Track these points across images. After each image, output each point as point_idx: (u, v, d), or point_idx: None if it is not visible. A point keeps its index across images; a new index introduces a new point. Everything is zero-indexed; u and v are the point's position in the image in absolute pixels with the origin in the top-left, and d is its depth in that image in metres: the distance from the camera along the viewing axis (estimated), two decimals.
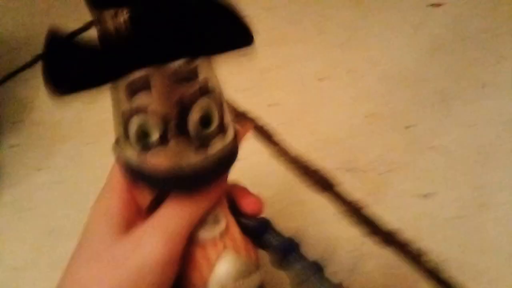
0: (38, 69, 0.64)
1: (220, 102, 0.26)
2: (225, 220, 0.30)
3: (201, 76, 0.25)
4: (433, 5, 0.64)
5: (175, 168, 0.26)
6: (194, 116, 0.25)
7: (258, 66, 0.60)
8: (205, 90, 0.25)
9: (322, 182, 0.48)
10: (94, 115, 0.58)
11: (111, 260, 0.28)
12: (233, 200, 0.32)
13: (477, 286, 0.41)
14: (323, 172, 0.49)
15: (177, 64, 0.24)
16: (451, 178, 0.48)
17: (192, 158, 0.26)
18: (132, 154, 0.27)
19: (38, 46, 0.66)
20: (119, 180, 0.31)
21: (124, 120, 0.26)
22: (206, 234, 0.30)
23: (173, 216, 0.28)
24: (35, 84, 0.63)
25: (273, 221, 0.44)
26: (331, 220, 0.46)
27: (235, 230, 0.31)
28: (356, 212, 0.46)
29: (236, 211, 0.32)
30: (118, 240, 0.29)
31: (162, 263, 0.28)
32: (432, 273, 0.42)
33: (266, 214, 0.46)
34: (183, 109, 0.24)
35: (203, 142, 0.26)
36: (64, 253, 0.29)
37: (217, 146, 0.27)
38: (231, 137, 0.28)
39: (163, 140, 0.25)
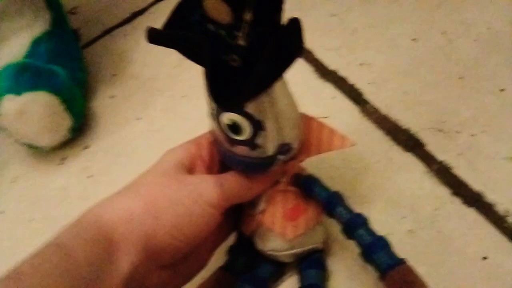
0: (136, 25, 0.68)
1: (257, 129, 0.31)
2: (265, 204, 0.38)
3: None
4: None
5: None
6: (223, 120, 0.31)
7: (350, 26, 0.60)
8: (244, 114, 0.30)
9: (411, 141, 0.48)
10: (185, 72, 0.61)
11: (179, 183, 0.34)
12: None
13: None
14: (413, 131, 0.49)
15: None
16: None
17: (226, 146, 0.33)
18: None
19: (137, 3, 0.70)
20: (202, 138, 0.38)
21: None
22: (249, 210, 0.39)
23: (231, 182, 0.35)
24: (133, 39, 0.66)
25: (353, 183, 0.46)
26: (418, 179, 0.46)
27: (275, 212, 0.38)
28: (443, 172, 0.46)
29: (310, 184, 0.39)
30: (184, 173, 0.35)
31: (210, 203, 0.34)
32: (510, 234, 0.42)
33: (354, 169, 0.47)
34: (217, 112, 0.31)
35: (230, 141, 0.32)
36: None
37: (241, 152, 0.33)
38: (262, 156, 0.33)
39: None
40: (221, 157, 0.35)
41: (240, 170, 0.35)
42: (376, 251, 0.36)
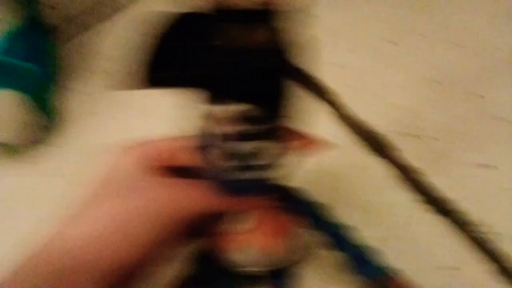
0: (116, 21, 0.66)
1: (273, 151, 0.30)
2: (247, 223, 0.36)
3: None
4: None
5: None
6: (244, 147, 0.29)
7: (325, 24, 0.58)
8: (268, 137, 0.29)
9: (381, 146, 0.48)
10: None
11: (141, 194, 0.31)
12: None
13: None
14: (389, 137, 0.49)
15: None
16: None
17: (227, 170, 0.30)
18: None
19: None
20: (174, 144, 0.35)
21: None
22: (228, 229, 0.37)
23: (201, 194, 0.33)
24: (111, 36, 0.65)
25: (326, 189, 0.46)
26: (391, 185, 0.46)
27: (258, 230, 0.36)
28: (413, 178, 0.46)
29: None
30: (146, 180, 0.33)
31: (175, 217, 0.32)
32: (483, 245, 0.42)
33: (328, 175, 0.46)
34: (235, 139, 0.28)
35: (241, 168, 0.30)
36: None
37: (252, 176, 0.31)
38: (274, 175, 0.31)
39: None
40: (222, 188, 0.33)
41: (249, 195, 0.34)
42: (365, 262, 0.37)
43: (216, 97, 0.27)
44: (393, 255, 0.41)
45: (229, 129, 0.28)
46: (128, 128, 0.55)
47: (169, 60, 0.26)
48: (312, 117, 0.50)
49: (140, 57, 0.25)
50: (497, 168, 0.45)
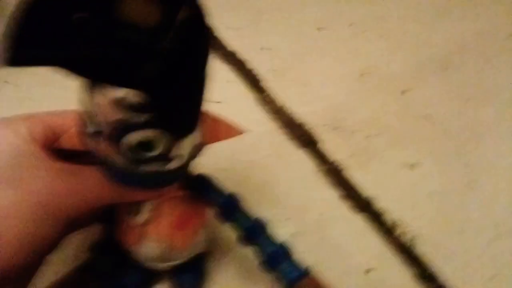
0: None
1: (171, 141, 0.26)
2: (150, 214, 0.33)
3: None
4: None
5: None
6: (128, 140, 0.25)
7: (255, 6, 0.57)
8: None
9: (304, 137, 0.46)
10: None
11: (20, 187, 0.27)
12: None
13: (449, 268, 0.39)
14: (308, 127, 0.46)
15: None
16: (440, 151, 0.46)
17: (128, 167, 0.27)
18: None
19: None
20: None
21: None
22: (128, 219, 0.33)
23: (96, 181, 0.29)
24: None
25: (239, 178, 0.43)
26: (308, 178, 0.44)
27: (161, 222, 0.33)
28: (335, 173, 0.44)
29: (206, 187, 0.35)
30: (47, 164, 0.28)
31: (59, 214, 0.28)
32: (403, 247, 0.40)
33: (242, 162, 0.44)
34: (122, 129, 0.25)
35: (136, 162, 0.27)
36: None
37: (151, 169, 0.27)
38: (177, 166, 0.28)
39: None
40: (117, 180, 0.29)
41: (148, 188, 0.31)
42: (280, 261, 0.34)
43: (99, 80, 0.23)
44: (308, 253, 0.39)
45: (117, 116, 0.24)
46: (32, 97, 0.50)
47: (42, 35, 0.21)
48: (229, 101, 0.47)
49: (8, 30, 0.20)
50: (422, 167, 0.44)
